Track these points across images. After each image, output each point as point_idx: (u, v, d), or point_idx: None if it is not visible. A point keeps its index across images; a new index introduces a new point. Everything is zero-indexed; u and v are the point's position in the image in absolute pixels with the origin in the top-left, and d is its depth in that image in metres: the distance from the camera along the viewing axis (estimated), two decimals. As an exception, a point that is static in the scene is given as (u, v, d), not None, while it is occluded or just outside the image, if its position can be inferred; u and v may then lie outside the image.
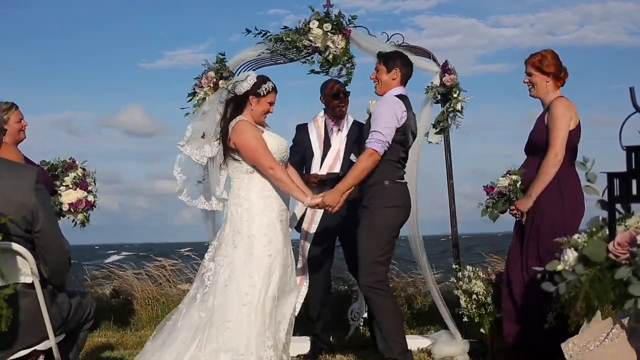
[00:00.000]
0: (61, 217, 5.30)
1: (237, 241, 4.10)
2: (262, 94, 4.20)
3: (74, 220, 5.32)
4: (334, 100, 5.21)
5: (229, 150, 4.20)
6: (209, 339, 3.97)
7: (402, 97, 4.39)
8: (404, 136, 4.38)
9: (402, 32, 5.42)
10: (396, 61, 4.44)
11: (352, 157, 5.03)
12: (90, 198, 5.31)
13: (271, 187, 4.19)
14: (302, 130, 5.33)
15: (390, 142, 4.26)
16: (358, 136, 5.08)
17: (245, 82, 4.22)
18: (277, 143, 4.23)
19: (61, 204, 5.25)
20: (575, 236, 2.41)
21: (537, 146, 4.33)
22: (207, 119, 4.30)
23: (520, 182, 4.47)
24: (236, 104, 4.24)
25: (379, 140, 4.23)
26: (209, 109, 4.34)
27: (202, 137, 4.26)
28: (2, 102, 4.96)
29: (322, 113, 5.33)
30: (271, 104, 4.25)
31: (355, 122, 5.28)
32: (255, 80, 4.22)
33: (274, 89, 4.25)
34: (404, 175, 4.51)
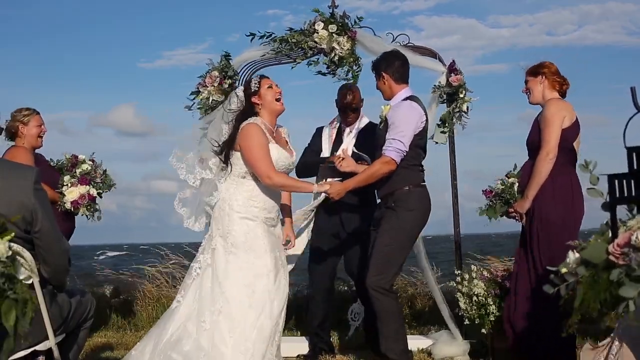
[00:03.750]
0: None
1: (215, 243, 4.12)
2: (257, 89, 4.21)
3: (82, 214, 5.37)
4: (341, 112, 5.31)
5: (232, 153, 4.18)
6: (192, 327, 3.99)
7: (412, 98, 4.40)
8: (423, 139, 4.42)
9: (400, 33, 5.38)
10: (380, 66, 4.44)
11: (364, 157, 5.00)
12: (92, 191, 5.34)
13: (259, 194, 4.15)
14: (317, 132, 5.44)
15: (407, 151, 4.27)
16: (369, 137, 5.11)
17: (236, 97, 4.28)
18: (276, 158, 4.16)
19: (64, 203, 5.27)
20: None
21: (534, 148, 4.33)
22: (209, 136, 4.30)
23: (517, 185, 4.48)
24: (246, 113, 4.23)
25: (397, 150, 4.24)
26: (211, 130, 4.33)
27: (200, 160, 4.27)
28: (24, 107, 5.08)
29: (337, 117, 5.42)
30: (270, 87, 4.23)
31: (369, 123, 5.31)
32: (244, 87, 4.30)
33: (262, 76, 4.30)
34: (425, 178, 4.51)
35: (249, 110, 4.23)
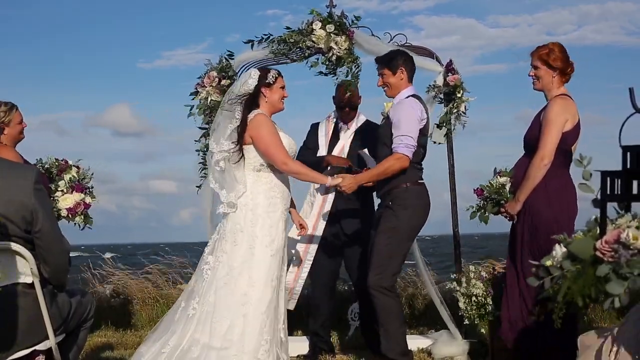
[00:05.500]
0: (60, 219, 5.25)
1: (238, 239, 4.09)
2: (272, 82, 4.23)
3: (75, 223, 5.20)
4: (339, 109, 5.30)
5: (243, 146, 4.18)
6: (202, 333, 3.97)
7: (415, 96, 4.45)
8: (424, 137, 4.46)
9: (398, 33, 5.40)
10: (398, 60, 4.47)
11: (364, 151, 4.97)
12: (88, 200, 5.18)
13: (278, 186, 4.19)
14: (313, 129, 5.43)
15: (416, 146, 4.31)
16: (368, 135, 5.12)
17: (251, 79, 4.23)
18: (287, 144, 4.22)
19: (59, 210, 5.09)
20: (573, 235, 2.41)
21: (531, 144, 4.23)
22: (220, 125, 4.28)
23: (509, 185, 4.42)
24: (250, 102, 4.23)
25: (408, 145, 4.28)
26: (220, 118, 4.31)
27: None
28: (3, 102, 4.94)
29: (334, 113, 5.41)
30: (283, 87, 4.28)
31: (366, 122, 5.31)
32: (260, 73, 4.27)
33: (280, 74, 4.31)
34: (423, 175, 4.53)
35: (253, 98, 4.22)
